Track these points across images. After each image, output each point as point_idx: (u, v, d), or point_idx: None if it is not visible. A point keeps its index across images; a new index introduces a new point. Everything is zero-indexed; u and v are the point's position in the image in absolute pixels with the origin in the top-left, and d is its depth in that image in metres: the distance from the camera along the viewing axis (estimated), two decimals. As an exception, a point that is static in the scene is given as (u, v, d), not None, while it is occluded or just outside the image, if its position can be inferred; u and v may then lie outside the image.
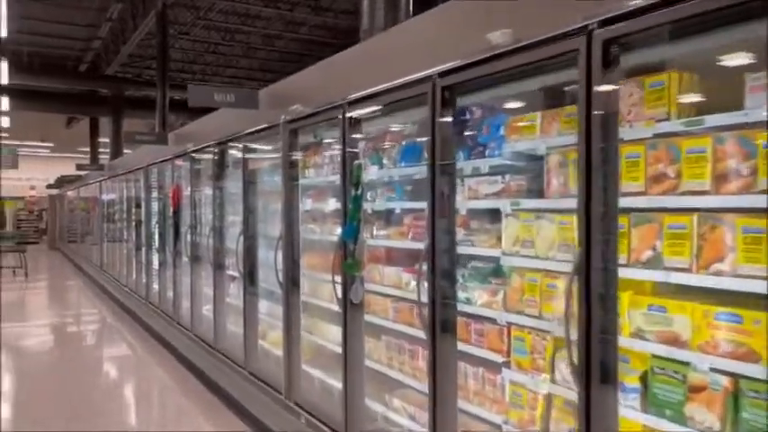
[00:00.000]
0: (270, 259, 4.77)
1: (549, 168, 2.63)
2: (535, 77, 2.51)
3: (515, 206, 2.81)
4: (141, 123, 20.14)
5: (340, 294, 3.49)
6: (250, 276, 4.94)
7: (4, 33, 10.57)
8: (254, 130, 4.70)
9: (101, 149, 23.54)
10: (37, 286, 13.70)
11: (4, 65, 12.50)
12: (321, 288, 4.36)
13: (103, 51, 18.58)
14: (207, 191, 6.18)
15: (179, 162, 6.84)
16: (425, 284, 2.89)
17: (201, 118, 6.24)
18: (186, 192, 6.79)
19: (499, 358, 2.88)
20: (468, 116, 3.07)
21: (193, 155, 6.21)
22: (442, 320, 2.78)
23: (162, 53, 13.59)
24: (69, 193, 18.91)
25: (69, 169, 20.46)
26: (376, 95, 3.14)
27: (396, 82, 2.95)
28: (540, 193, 2.70)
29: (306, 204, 4.39)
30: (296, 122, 4.03)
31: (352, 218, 3.26)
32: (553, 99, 2.64)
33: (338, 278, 3.57)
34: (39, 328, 8.95)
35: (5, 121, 20.96)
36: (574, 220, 2.52)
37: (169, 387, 5.94)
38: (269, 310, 5.07)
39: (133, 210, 9.43)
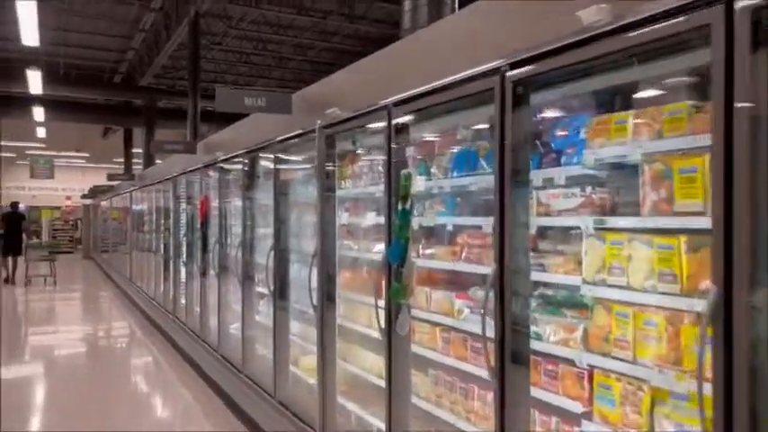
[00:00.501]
0: (303, 277, 4.35)
1: (645, 180, 2.14)
2: (633, 67, 2.03)
3: (600, 225, 2.32)
4: (174, 134, 20.07)
5: (383, 322, 3.03)
6: (281, 295, 4.51)
7: (37, 43, 10.48)
8: (286, 137, 4.29)
9: (134, 160, 23.61)
10: (65, 296, 13.56)
11: (38, 75, 12.44)
12: (358, 310, 3.91)
13: (137, 62, 18.59)
14: (236, 202, 5.80)
15: (208, 172, 6.49)
16: (485, 313, 2.42)
17: (231, 126, 5.88)
18: (215, 203, 6.43)
19: (578, 407, 2.37)
20: (537, 116, 2.60)
21: (222, 164, 5.84)
22: (512, 357, 2.29)
23: (193, 62, 13.41)
24: (103, 203, 18.90)
25: (104, 179, 20.52)
26: (428, 94, 2.69)
27: (452, 78, 2.50)
28: (632, 210, 2.20)
29: (342, 218, 3.95)
30: (333, 127, 3.61)
31: (399, 235, 2.80)
32: (656, 92, 2.15)
33: (381, 302, 3.12)
34: (60, 341, 8.69)
35: (41, 132, 21.21)
36: (680, 244, 2.03)
37: (192, 408, 5.54)
38: (301, 332, 4.63)
39: (161, 221, 9.14)
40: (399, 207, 2.81)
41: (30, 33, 9.79)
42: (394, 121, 2.96)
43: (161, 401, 5.99)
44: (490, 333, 2.35)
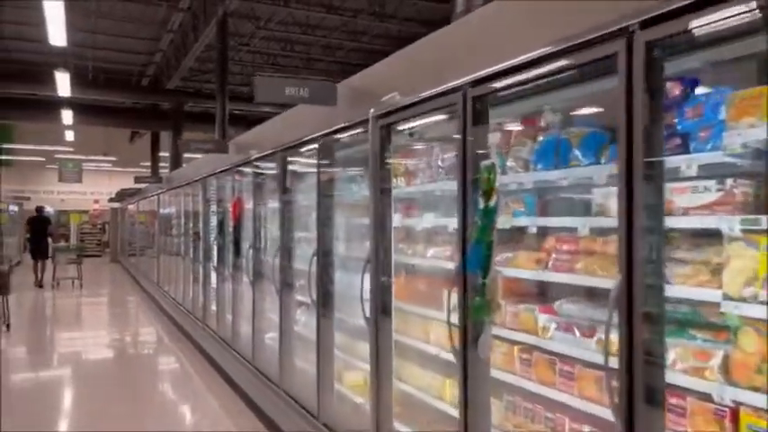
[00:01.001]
0: (349, 285, 3.92)
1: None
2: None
3: (748, 226, 1.84)
4: (201, 137, 19.89)
5: (457, 341, 2.58)
6: (324, 304, 4.08)
7: (65, 43, 10.26)
8: (331, 130, 3.87)
9: (162, 163, 23.50)
10: (90, 301, 13.34)
11: (66, 77, 12.26)
12: (413, 324, 3.47)
13: (165, 65, 18.44)
14: (272, 204, 5.41)
15: (240, 172, 6.11)
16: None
17: (268, 121, 5.48)
18: (248, 205, 6.05)
19: (717, 454, 1.90)
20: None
21: (257, 163, 5.45)
22: (644, 390, 1.82)
23: (221, 63, 13.12)
24: (130, 206, 18.76)
25: (131, 183, 20.40)
26: (517, 70, 2.23)
27: (554, 47, 2.04)
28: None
29: (395, 220, 3.51)
30: (390, 116, 3.17)
31: (479, 239, 2.34)
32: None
33: (445, 315, 2.68)
34: (83, 347, 8.39)
35: (70, 135, 21.20)
36: None
37: (222, 420, 5.13)
38: (345, 345, 4.19)
39: (190, 224, 8.81)
40: (481, 205, 2.36)
41: (57, 33, 9.57)
42: (470, 100, 2.51)
43: (189, 411, 5.60)
44: (612, 362, 1.88)
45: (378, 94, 3.26)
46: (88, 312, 11.90)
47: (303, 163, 4.77)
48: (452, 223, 3.34)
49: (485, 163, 2.39)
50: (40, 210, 16.04)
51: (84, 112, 19.65)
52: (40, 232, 14.68)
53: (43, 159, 25.66)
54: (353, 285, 4.02)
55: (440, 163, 3.41)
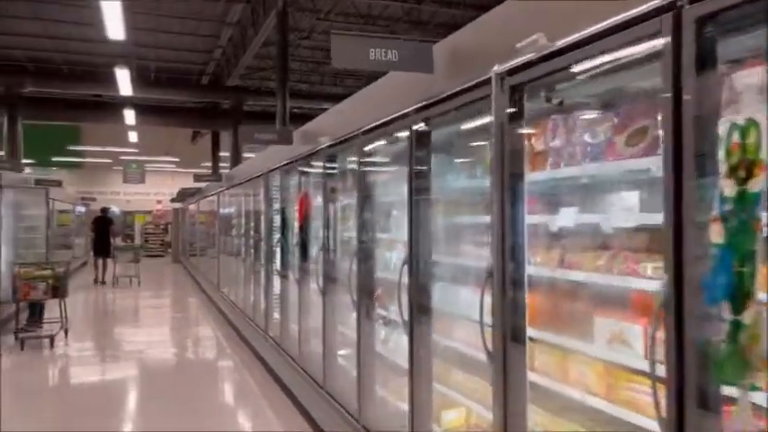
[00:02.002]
0: (456, 302, 3.03)
1: None
2: None
3: None
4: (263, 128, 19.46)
5: (664, 405, 1.63)
6: (419, 325, 3.20)
7: (123, 37, 9.79)
8: (429, 102, 2.97)
9: (222, 163, 23.29)
10: (147, 304, 12.97)
11: (126, 73, 11.87)
12: (557, 360, 2.54)
13: (224, 63, 18.07)
14: (347, 200, 4.58)
15: (307, 165, 5.30)
16: None
17: (342, 102, 4.65)
18: (316, 201, 5.24)
19: None
20: None
21: (328, 153, 4.61)
22: None
23: (282, 56, 12.45)
24: (191, 206, 18.49)
25: (197, 185, 20.21)
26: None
27: None
28: None
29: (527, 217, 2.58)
30: (529, 70, 2.24)
31: (729, 247, 1.39)
32: None
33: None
34: (136, 353, 7.83)
35: (133, 136, 21.20)
36: None
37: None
38: (444, 376, 3.30)
39: (251, 224, 8.12)
40: (728, 189, 1.40)
41: (115, 26, 9.09)
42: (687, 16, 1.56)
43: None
44: None
45: (502, 48, 2.34)
46: (145, 315, 11.46)
47: (387, 151, 3.90)
48: (607, 220, 2.41)
49: (732, 121, 1.43)
50: (104, 210, 16.56)
51: (147, 112, 19.55)
52: (103, 232, 15.21)
53: (110, 161, 25.95)
54: (459, 302, 3.12)
55: (587, 138, 2.46)
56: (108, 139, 24.02)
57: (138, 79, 17.75)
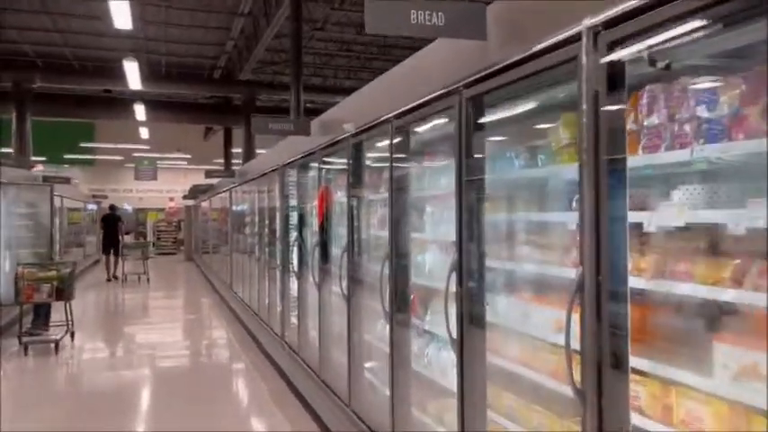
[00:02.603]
0: (525, 320, 2.49)
1: None
2: None
3: None
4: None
5: None
6: (471, 344, 2.65)
7: (130, 26, 9.30)
8: (491, 70, 2.41)
9: (235, 160, 22.86)
10: (157, 305, 12.52)
11: (135, 66, 11.40)
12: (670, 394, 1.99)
13: (236, 56, 17.59)
14: (376, 195, 4.04)
15: (329, 156, 4.76)
16: None
17: (376, 79, 4.08)
18: (339, 196, 4.71)
19: None
20: None
21: (354, 141, 4.07)
22: None
23: (296, 44, 11.88)
24: (203, 203, 18.04)
25: (209, 182, 19.83)
26: None
27: None
28: None
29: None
30: (636, 20, 1.68)
31: None
32: None
33: None
34: (143, 357, 7.36)
35: (144, 132, 20.79)
36: None
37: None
38: (515, 409, 2.74)
39: (265, 221, 7.60)
40: None
41: (122, 14, 8.60)
42: None
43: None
44: None
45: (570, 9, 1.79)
46: (154, 316, 10.96)
47: (425, 138, 3.36)
48: (740, 218, 1.84)
49: None
50: (112, 208, 16.43)
51: (158, 108, 19.14)
52: (112, 229, 15.15)
53: (122, 158, 25.61)
54: (526, 319, 2.57)
55: (703, 111, 1.90)
56: (120, 135, 23.68)
57: (149, 74, 17.32)
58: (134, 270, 14.52)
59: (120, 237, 15.13)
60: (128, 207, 25.36)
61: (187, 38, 16.22)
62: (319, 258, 4.87)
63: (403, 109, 3.18)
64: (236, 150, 22.00)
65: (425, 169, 3.60)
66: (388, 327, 3.58)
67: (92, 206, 20.11)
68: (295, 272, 5.76)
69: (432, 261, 3.68)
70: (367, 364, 4.26)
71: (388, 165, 3.53)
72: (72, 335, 7.98)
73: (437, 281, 3.55)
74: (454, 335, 2.69)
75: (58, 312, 7.80)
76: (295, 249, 5.82)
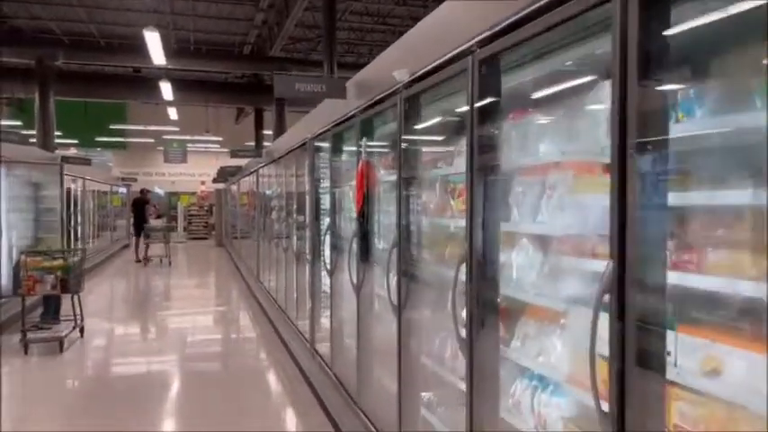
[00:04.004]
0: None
1: None
2: None
3: None
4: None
5: None
6: (645, 405, 1.49)
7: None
8: None
9: (266, 142, 21.94)
10: (179, 294, 11.64)
11: (156, 36, 10.38)
12: None
13: (266, 32, 16.53)
14: (439, 170, 2.90)
15: (373, 120, 3.62)
16: None
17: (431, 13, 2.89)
18: (385, 175, 3.57)
19: None
20: None
21: (418, 87, 2.90)
22: None
23: (329, 12, 10.73)
24: (233, 187, 17.14)
25: (238, 163, 18.99)
26: None
27: None
28: None
29: None
30: None
31: None
32: None
33: None
34: (151, 358, 6.40)
35: (173, 113, 19.97)
36: None
37: None
38: None
39: (293, 206, 6.50)
40: None
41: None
42: None
43: None
44: None
45: None
46: (175, 307, 10.02)
47: (527, 83, 2.19)
48: None
49: None
50: (143, 191, 16.45)
51: (186, 87, 18.28)
52: (142, 212, 15.32)
53: (153, 141, 24.94)
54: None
55: None
56: (152, 118, 22.96)
57: (178, 51, 16.41)
58: (155, 253, 14.52)
59: (147, 220, 15.25)
60: (159, 191, 24.73)
61: (215, 12, 15.23)
62: (358, 253, 3.74)
63: (499, 27, 2.00)
64: (268, 133, 21.07)
65: (523, 130, 2.43)
66: (461, 353, 2.46)
67: (122, 189, 19.45)
68: (327, 268, 4.65)
69: (522, 263, 2.53)
70: (424, 396, 3.14)
71: (461, 124, 2.37)
72: (81, 330, 7.09)
73: (530, 293, 2.41)
74: (605, 402, 1.53)
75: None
76: (327, 240, 4.71)
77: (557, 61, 2.12)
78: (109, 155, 26.10)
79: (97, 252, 14.49)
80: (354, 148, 3.87)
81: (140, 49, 14.87)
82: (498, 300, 2.42)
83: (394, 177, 3.39)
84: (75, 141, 22.99)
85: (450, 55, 2.40)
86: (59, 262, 6.85)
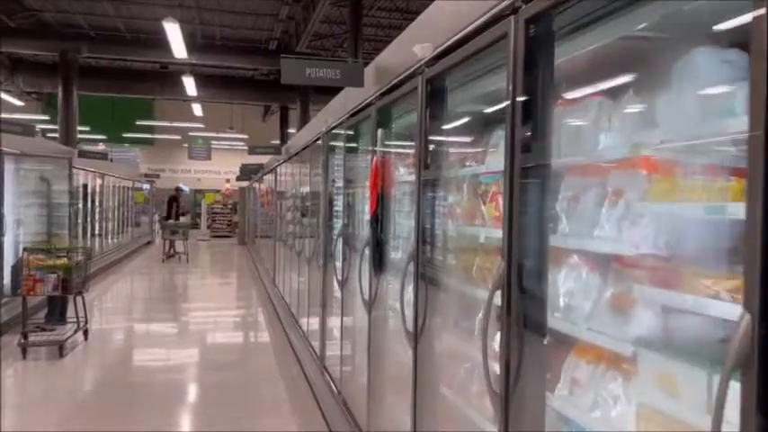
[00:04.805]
0: None
1: None
2: None
3: None
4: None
5: None
6: None
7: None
8: None
9: (291, 141, 21.58)
10: (195, 295, 11.26)
11: (176, 26, 10.02)
12: None
13: (293, 27, 16.13)
14: (467, 169, 2.35)
15: (390, 107, 3.08)
16: None
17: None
18: (404, 174, 3.04)
19: None
20: None
21: (442, 64, 2.35)
22: None
23: (355, 8, 10.26)
24: (256, 185, 16.79)
25: (261, 161, 18.64)
26: None
27: None
28: None
29: None
30: None
31: None
32: None
33: None
34: (157, 364, 5.95)
35: (197, 109, 19.72)
36: None
37: None
38: None
39: (307, 206, 6.00)
40: None
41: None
42: None
43: None
44: None
45: None
46: (188, 308, 9.66)
47: (581, 59, 1.63)
48: None
49: None
50: (177, 189, 17.21)
51: (211, 84, 18.01)
52: (172, 210, 15.98)
53: (179, 137, 24.82)
54: None
55: None
56: (179, 115, 22.82)
57: (204, 46, 16.13)
58: (180, 250, 14.81)
59: (178, 217, 15.92)
60: (185, 187, 24.60)
61: (241, 7, 14.87)
62: (371, 264, 3.20)
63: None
64: (293, 131, 20.71)
65: (580, 115, 1.87)
66: (490, 395, 1.90)
67: (145, 186, 19.27)
68: (338, 278, 4.12)
69: (572, 288, 1.96)
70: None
71: (495, 113, 1.82)
72: (85, 333, 6.71)
73: (582, 326, 1.85)
74: None
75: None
76: (339, 245, 4.19)
77: (634, 19, 1.55)
78: (137, 151, 26.08)
79: (118, 248, 14.27)
80: (369, 141, 3.33)
81: (166, 43, 14.65)
82: (543, 332, 1.86)
83: (413, 177, 2.85)
84: (104, 137, 22.98)
85: (484, 18, 1.85)
86: (63, 261, 6.48)
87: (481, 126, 2.63)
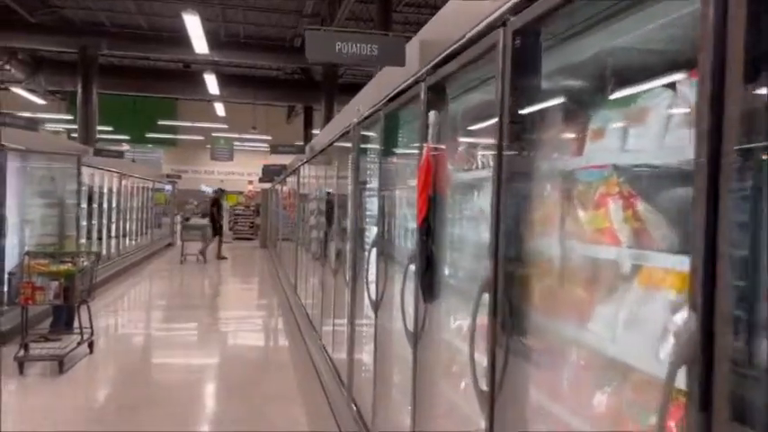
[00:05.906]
0: None
1: None
2: None
3: None
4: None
5: None
6: None
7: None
8: None
9: (315, 139, 21.02)
10: (210, 303, 10.65)
11: (196, 19, 9.45)
12: None
13: (318, 23, 15.51)
14: (563, 162, 1.61)
15: (447, 86, 2.35)
16: None
17: None
18: (464, 172, 2.31)
19: None
20: None
21: (534, 12, 1.62)
22: None
23: (383, 3, 9.58)
24: (278, 186, 16.20)
25: (283, 162, 18.08)
26: None
27: None
28: None
29: None
30: None
31: None
32: None
33: None
34: (164, 379, 5.30)
35: (220, 109, 19.24)
36: None
37: None
38: None
39: (334, 212, 5.29)
40: None
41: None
42: None
43: None
44: None
45: None
46: (201, 321, 9.01)
47: None
48: None
49: None
50: (216, 192, 16.90)
51: (236, 83, 17.53)
52: (217, 212, 15.59)
53: (202, 138, 24.43)
54: None
55: None
56: (201, 115, 22.42)
57: (227, 44, 15.63)
58: (191, 251, 14.54)
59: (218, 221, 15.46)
60: (207, 189, 24.18)
61: (265, 3, 14.31)
62: (417, 286, 2.47)
63: None
64: (318, 132, 20.13)
65: None
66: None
67: (167, 187, 18.83)
68: (372, 298, 3.39)
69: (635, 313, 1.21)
70: None
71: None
72: (90, 345, 6.11)
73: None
74: None
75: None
76: (373, 258, 3.46)
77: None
78: (160, 152, 25.79)
79: (136, 251, 13.78)
80: (418, 130, 2.59)
81: (188, 41, 14.16)
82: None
83: (476, 174, 2.12)
84: (127, 137, 22.69)
85: None
86: (66, 267, 5.89)
87: (574, 104, 1.90)
